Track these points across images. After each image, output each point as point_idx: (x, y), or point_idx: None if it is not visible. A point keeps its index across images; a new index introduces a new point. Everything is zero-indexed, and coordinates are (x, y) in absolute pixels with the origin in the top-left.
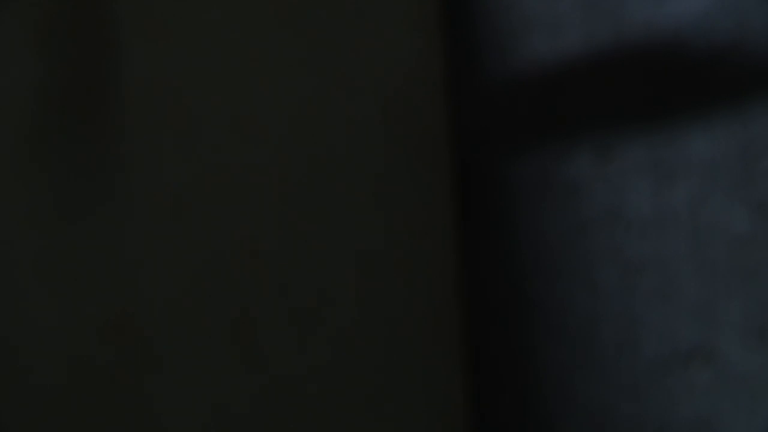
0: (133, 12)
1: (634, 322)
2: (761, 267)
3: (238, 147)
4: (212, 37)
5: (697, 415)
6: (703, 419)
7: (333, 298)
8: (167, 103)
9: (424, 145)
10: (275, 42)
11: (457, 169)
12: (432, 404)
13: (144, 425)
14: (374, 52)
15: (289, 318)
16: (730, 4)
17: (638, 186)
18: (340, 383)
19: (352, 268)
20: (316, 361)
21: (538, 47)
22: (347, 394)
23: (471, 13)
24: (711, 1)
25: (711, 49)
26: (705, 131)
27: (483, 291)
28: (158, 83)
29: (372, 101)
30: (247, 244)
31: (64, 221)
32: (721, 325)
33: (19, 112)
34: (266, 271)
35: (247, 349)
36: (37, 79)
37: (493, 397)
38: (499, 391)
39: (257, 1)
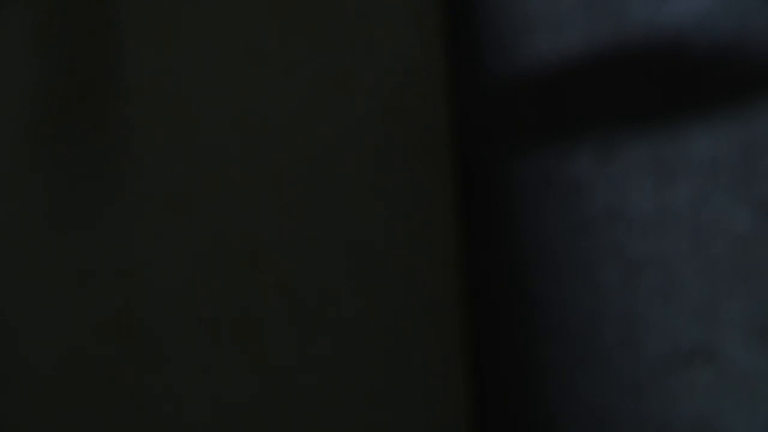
0: (133, 12)
1: (635, 322)
2: (763, 266)
3: (239, 146)
4: (212, 36)
5: (698, 415)
6: (704, 418)
7: (334, 298)
8: (167, 103)
9: (426, 145)
10: (276, 42)
11: (459, 168)
12: (434, 403)
13: (145, 422)
14: (375, 51)
15: (290, 316)
16: (732, 3)
17: (640, 185)
18: (341, 382)
19: (353, 268)
20: (317, 360)
21: (540, 46)
22: (348, 392)
23: (473, 12)
24: (712, 1)
25: (713, 48)
26: (706, 130)
27: (485, 290)
28: (158, 83)
29: (373, 100)
30: (248, 242)
31: (65, 220)
32: (722, 325)
33: (19, 112)
34: (268, 269)
35: (248, 347)
36: (37, 79)
37: (494, 395)
38: (501, 389)
39: (258, 2)
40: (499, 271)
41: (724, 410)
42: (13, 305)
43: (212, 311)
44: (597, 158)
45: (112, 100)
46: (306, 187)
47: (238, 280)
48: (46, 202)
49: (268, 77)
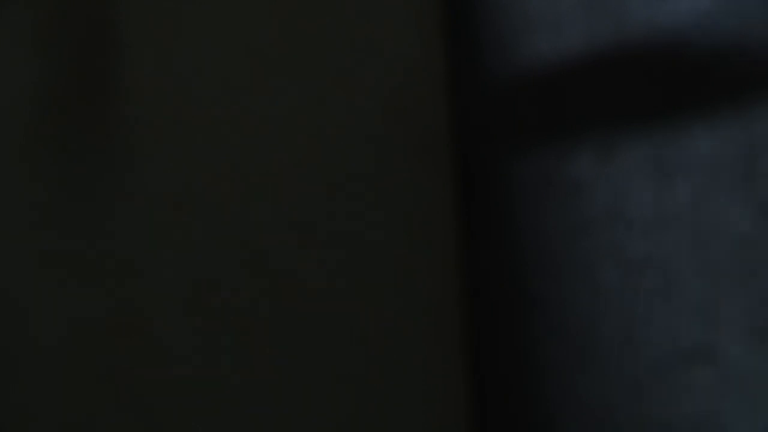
0: (133, 12)
1: (635, 321)
2: (763, 266)
3: (239, 146)
4: (212, 36)
5: (699, 414)
6: (704, 418)
7: (334, 297)
8: (167, 103)
9: (426, 145)
10: (276, 42)
11: (459, 168)
12: (434, 403)
13: (145, 420)
14: (375, 51)
15: (290, 316)
16: (732, 3)
17: (640, 185)
18: (341, 382)
19: (353, 268)
20: (316, 359)
21: (540, 46)
22: (348, 392)
23: (473, 12)
24: (712, 1)
25: (713, 48)
26: (707, 130)
27: (485, 290)
28: (158, 83)
29: (373, 100)
30: (248, 242)
31: (65, 220)
32: (722, 324)
33: (19, 112)
34: (268, 269)
35: (247, 346)
36: (37, 79)
37: (494, 395)
38: (501, 389)
39: (258, 2)
40: (499, 271)
41: (724, 410)
42: (13, 306)
43: (212, 311)
44: (597, 158)
45: (112, 100)
46: (306, 187)
47: (238, 280)
48: (46, 202)
49: (268, 77)
